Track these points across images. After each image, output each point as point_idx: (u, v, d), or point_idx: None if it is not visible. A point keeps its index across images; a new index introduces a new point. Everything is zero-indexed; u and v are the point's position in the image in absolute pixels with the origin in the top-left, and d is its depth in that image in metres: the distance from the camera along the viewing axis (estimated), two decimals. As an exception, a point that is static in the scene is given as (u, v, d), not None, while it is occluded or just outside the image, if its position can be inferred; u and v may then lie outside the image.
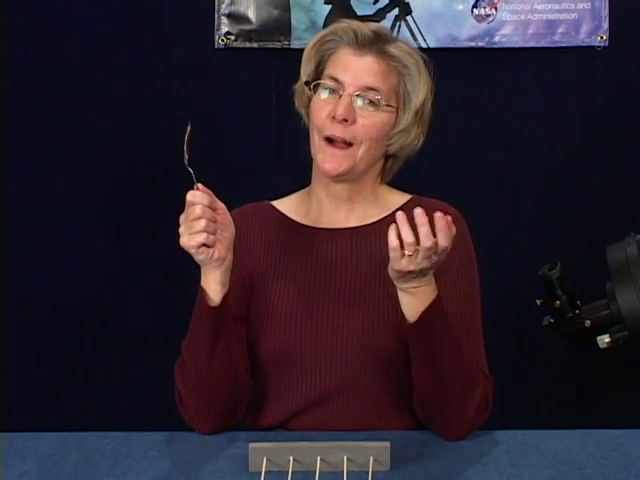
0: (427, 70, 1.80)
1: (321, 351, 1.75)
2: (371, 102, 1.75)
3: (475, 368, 1.70)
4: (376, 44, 1.76)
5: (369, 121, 1.75)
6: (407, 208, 1.83)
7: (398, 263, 1.54)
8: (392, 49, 1.77)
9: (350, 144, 1.75)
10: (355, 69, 1.75)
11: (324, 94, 1.77)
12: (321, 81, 1.77)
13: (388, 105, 1.76)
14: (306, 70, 1.81)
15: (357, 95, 1.74)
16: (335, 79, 1.76)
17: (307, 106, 1.82)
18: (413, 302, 1.61)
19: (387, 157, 1.84)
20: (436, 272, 1.69)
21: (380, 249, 1.78)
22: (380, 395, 1.75)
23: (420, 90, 1.78)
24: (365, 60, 1.75)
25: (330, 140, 1.75)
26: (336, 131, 1.74)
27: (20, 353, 2.81)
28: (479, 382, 1.69)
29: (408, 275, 1.56)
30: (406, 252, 1.53)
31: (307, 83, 1.80)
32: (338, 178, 1.78)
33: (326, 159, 1.76)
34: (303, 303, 1.77)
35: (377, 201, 1.85)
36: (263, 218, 1.85)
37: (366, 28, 1.77)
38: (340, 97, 1.74)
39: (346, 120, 1.73)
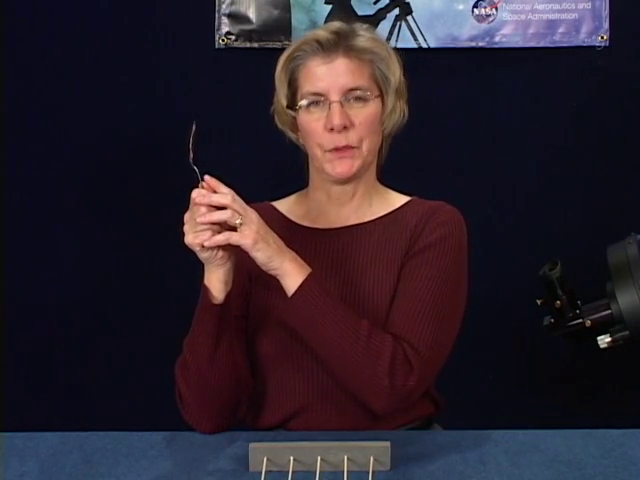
0: (392, 50, 1.82)
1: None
2: (358, 99, 1.76)
3: (377, 337, 1.65)
4: (341, 44, 1.76)
5: (363, 117, 1.76)
6: (407, 207, 1.84)
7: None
8: (357, 42, 1.77)
9: (355, 146, 1.76)
10: (331, 76, 1.75)
11: (310, 111, 1.77)
12: (302, 102, 1.77)
13: (372, 96, 1.77)
14: (282, 93, 1.81)
15: (343, 99, 1.75)
16: (315, 93, 1.76)
17: (292, 124, 1.83)
18: (283, 279, 1.66)
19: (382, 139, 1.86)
20: (414, 252, 1.74)
21: (374, 246, 1.79)
22: None
23: (395, 69, 1.79)
24: (336, 64, 1.76)
25: (334, 148, 1.76)
26: (339, 142, 1.75)
27: (20, 353, 2.81)
28: (383, 349, 1.64)
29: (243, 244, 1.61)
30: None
31: (289, 107, 1.80)
32: (355, 174, 1.79)
33: (337, 165, 1.77)
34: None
35: (377, 199, 1.86)
36: (263, 218, 1.85)
37: (327, 33, 1.77)
38: (329, 107, 1.75)
39: (345, 127, 1.74)
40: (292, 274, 1.66)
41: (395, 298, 1.74)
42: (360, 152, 1.77)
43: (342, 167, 1.76)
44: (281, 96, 1.81)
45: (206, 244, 1.60)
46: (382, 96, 1.80)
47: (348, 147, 1.75)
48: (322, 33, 1.77)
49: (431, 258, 1.75)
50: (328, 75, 1.75)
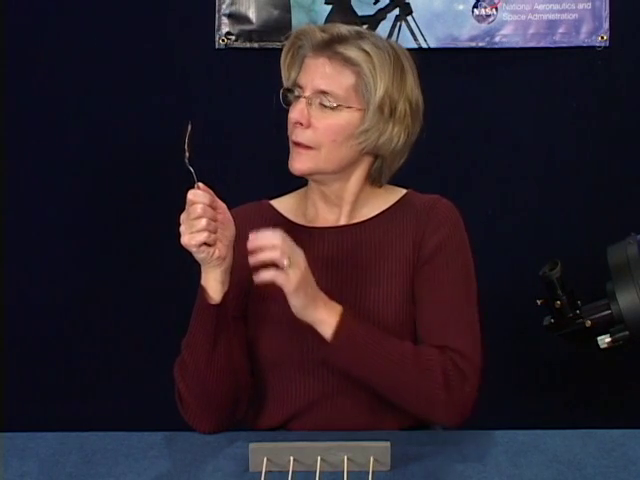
0: (391, 67, 1.75)
1: (317, 352, 1.74)
2: (324, 105, 1.74)
3: (424, 355, 1.67)
4: (329, 46, 1.74)
5: (323, 124, 1.74)
6: (401, 204, 1.84)
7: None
8: (345, 50, 1.73)
9: (311, 147, 1.75)
10: (311, 72, 1.75)
11: (294, 99, 1.78)
12: (290, 88, 1.78)
13: (345, 107, 1.74)
14: (284, 76, 1.82)
15: (314, 99, 1.74)
16: (297, 84, 1.77)
17: None
18: (318, 327, 1.65)
19: (376, 157, 1.82)
20: (425, 258, 1.74)
21: (370, 249, 1.79)
22: (377, 395, 1.74)
23: (378, 88, 1.73)
24: (318, 62, 1.75)
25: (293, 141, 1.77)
26: (295, 136, 1.75)
27: (20, 353, 2.81)
28: (433, 365, 1.66)
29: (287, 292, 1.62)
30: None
31: (287, 90, 1.81)
32: (310, 177, 1.80)
33: (293, 158, 1.77)
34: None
35: (370, 200, 1.84)
36: (261, 218, 1.86)
37: (322, 32, 1.76)
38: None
39: (301, 124, 1.74)
40: (325, 322, 1.65)
41: (423, 308, 1.74)
42: (317, 154, 1.75)
43: (296, 163, 1.76)
44: (283, 78, 1.82)
45: (257, 281, 1.61)
46: (364, 110, 1.75)
47: (303, 145, 1.75)
48: (318, 32, 1.76)
49: (445, 261, 1.75)
50: (309, 71, 1.76)
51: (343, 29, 1.77)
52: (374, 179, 1.84)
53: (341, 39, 1.75)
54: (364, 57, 1.74)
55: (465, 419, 1.71)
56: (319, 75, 1.74)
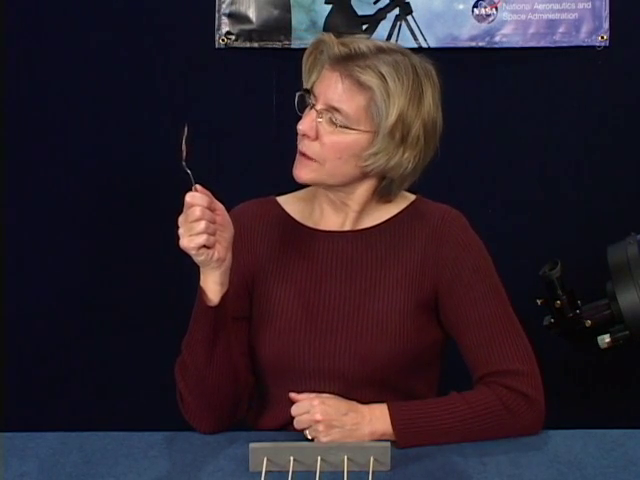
0: (408, 91, 1.70)
1: (318, 359, 1.74)
2: (332, 122, 1.72)
3: (479, 398, 1.70)
4: (346, 62, 1.71)
5: (329, 140, 1.72)
6: (410, 212, 1.83)
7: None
8: (359, 72, 1.69)
9: (315, 159, 1.74)
10: (325, 85, 1.72)
11: (308, 106, 1.76)
12: (307, 93, 1.76)
13: (354, 127, 1.71)
14: (305, 78, 1.80)
15: (325, 112, 1.72)
16: (313, 91, 1.75)
17: None
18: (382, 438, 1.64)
19: (384, 177, 1.79)
20: (450, 282, 1.74)
21: (375, 256, 1.79)
22: (378, 398, 1.73)
23: (390, 114, 1.69)
24: (332, 77, 1.72)
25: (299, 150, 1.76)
26: (301, 146, 1.74)
27: (20, 353, 2.81)
28: (488, 409, 1.69)
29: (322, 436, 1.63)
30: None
31: (305, 90, 1.78)
32: (313, 185, 1.79)
33: (297, 166, 1.76)
34: (302, 308, 1.77)
35: (376, 209, 1.83)
36: (267, 216, 1.85)
37: (338, 46, 1.72)
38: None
39: (308, 136, 1.72)
40: (383, 433, 1.65)
41: (463, 335, 1.76)
42: (320, 167, 1.73)
43: (299, 171, 1.75)
44: (303, 81, 1.80)
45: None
46: (374, 132, 1.72)
47: (308, 156, 1.73)
48: (336, 45, 1.73)
49: (472, 276, 1.77)
50: (324, 83, 1.73)
51: (363, 45, 1.73)
52: (381, 196, 1.81)
53: (359, 56, 1.71)
54: (378, 82, 1.69)
55: (544, 420, 1.73)
56: (332, 91, 1.71)
